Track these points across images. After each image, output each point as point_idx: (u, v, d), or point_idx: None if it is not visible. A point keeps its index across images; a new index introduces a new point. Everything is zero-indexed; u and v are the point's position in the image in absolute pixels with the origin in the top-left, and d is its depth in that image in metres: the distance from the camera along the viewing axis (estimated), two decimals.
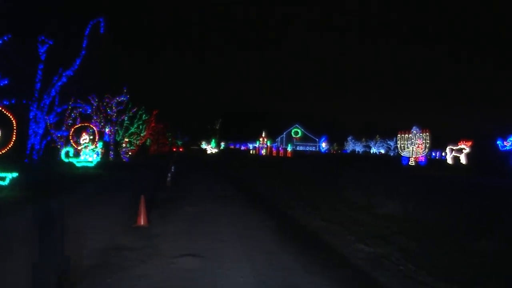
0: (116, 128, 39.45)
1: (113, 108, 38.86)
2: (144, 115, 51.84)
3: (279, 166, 30.61)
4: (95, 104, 36.47)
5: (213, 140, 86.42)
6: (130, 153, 48.20)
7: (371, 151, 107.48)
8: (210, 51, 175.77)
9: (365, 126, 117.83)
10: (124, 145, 46.15)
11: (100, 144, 34.91)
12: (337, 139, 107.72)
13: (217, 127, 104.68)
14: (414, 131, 40.76)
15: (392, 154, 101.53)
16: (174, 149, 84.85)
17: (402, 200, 12.57)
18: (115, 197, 12.60)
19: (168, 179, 16.20)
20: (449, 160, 35.36)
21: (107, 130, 40.18)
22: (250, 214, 10.73)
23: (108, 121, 36.56)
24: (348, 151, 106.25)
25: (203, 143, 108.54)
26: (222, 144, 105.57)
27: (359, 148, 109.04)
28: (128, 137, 49.40)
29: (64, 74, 23.47)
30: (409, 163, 41.83)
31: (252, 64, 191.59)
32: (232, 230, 8.60)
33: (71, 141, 22.48)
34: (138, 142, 50.93)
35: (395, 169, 30.49)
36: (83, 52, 22.89)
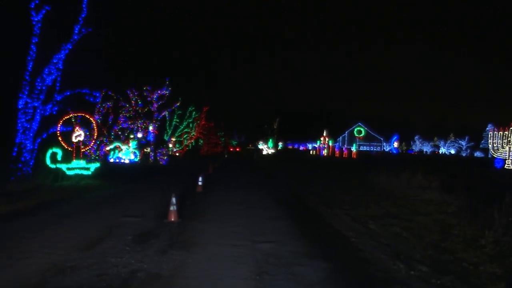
0: (156, 125, 32.39)
1: (153, 103, 32.02)
2: (194, 113, 44.88)
3: (357, 172, 21.41)
4: (133, 98, 29.91)
5: (270, 140, 78.43)
6: (177, 154, 41.38)
7: (440, 152, 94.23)
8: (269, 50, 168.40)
9: (433, 125, 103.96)
10: (170, 145, 39.30)
11: (133, 144, 28.03)
12: (403, 139, 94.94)
13: (275, 127, 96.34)
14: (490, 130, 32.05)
15: (464, 154, 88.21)
16: (231, 149, 77.86)
17: None
18: None
19: (172, 208, 8.01)
20: None
21: (150, 128, 33.41)
22: None
23: (138, 116, 29.41)
24: (414, 151, 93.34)
25: (260, 143, 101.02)
26: (280, 144, 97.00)
27: (426, 148, 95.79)
28: (178, 136, 42.63)
29: (63, 49, 16.39)
30: (505, 166, 32.11)
31: (312, 63, 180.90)
32: None
33: (59, 138, 15.14)
34: (186, 142, 43.91)
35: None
36: (84, 14, 15.56)
